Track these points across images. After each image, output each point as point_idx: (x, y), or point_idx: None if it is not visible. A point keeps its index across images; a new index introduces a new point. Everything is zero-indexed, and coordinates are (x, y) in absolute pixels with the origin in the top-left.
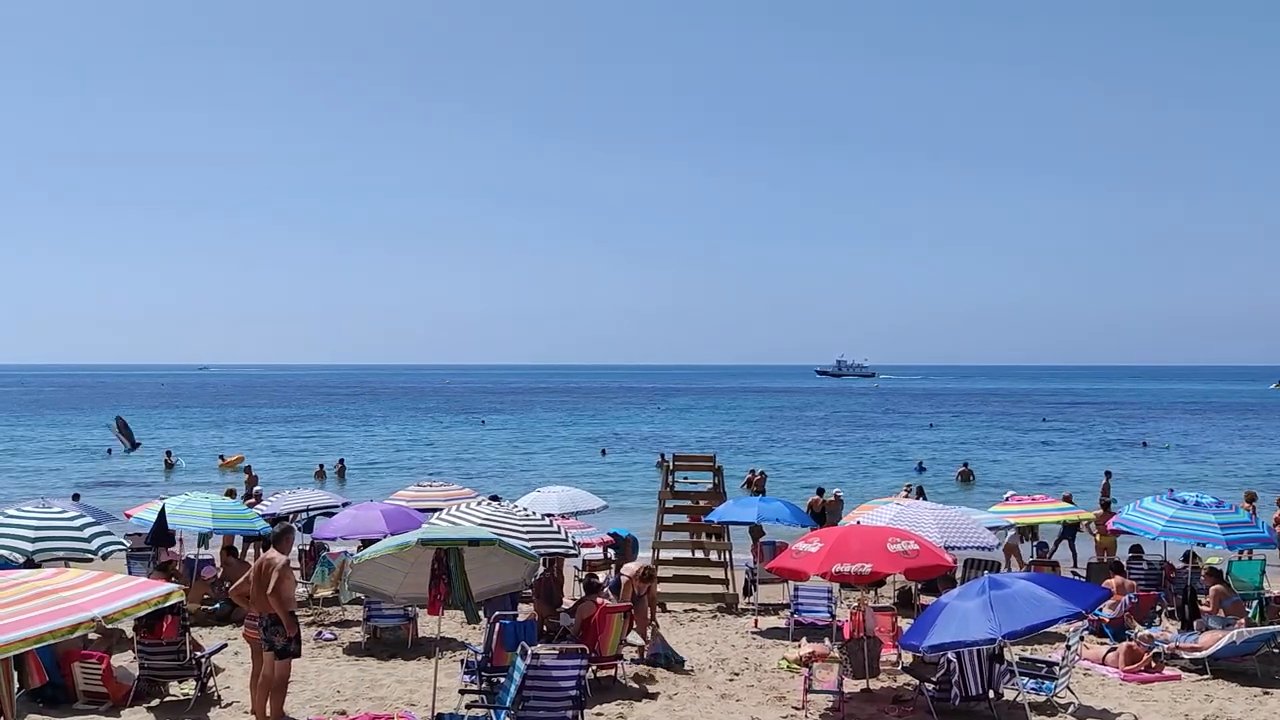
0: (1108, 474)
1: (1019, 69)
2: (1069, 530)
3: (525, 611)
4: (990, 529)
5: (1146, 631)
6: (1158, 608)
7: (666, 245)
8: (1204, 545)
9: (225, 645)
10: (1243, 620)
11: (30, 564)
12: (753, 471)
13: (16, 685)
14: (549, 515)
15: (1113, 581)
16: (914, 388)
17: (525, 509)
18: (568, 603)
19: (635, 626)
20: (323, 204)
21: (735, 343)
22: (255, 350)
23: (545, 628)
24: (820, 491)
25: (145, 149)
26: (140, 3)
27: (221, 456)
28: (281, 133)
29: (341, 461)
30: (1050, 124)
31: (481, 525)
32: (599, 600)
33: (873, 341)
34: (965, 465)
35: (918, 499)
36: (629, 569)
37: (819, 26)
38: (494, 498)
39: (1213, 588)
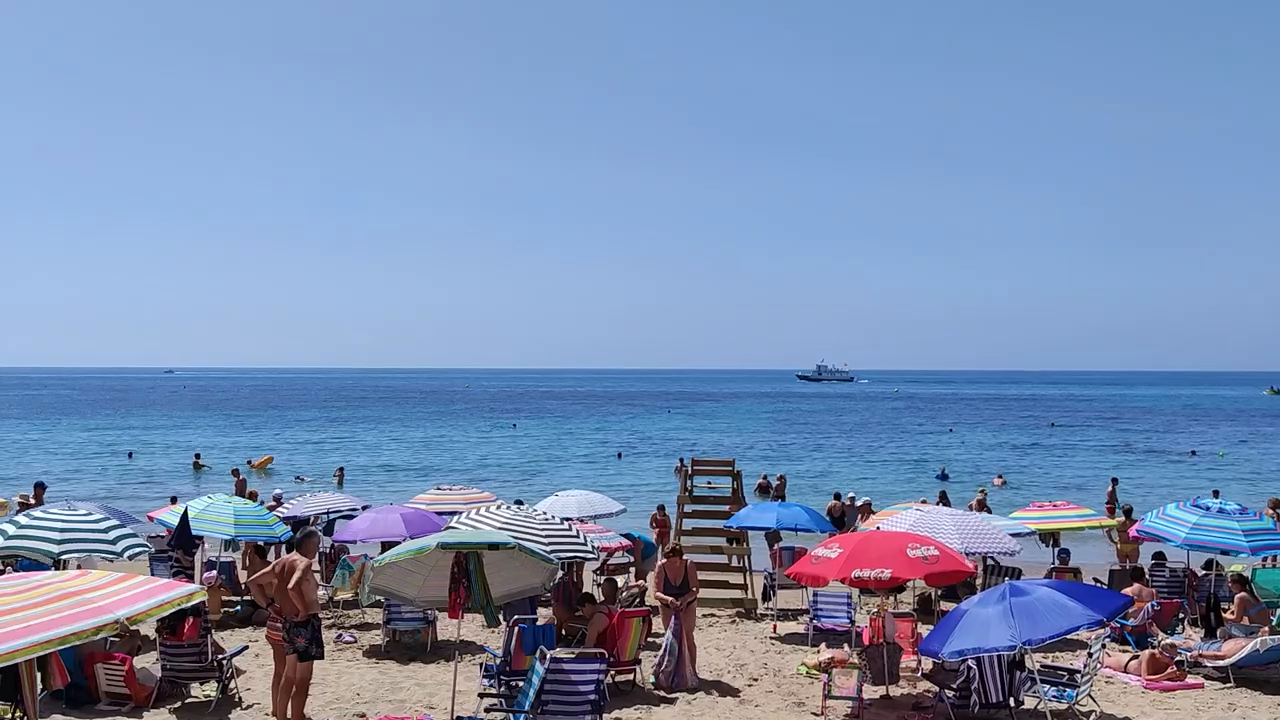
0: (1114, 480)
1: (1020, 70)
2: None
3: (544, 615)
4: (1012, 535)
5: (1169, 640)
6: (1181, 615)
7: (667, 248)
8: (1227, 553)
9: (247, 647)
10: (1267, 628)
11: (56, 565)
12: (765, 477)
13: (40, 686)
14: (568, 519)
15: (1133, 589)
16: (927, 393)
17: (544, 513)
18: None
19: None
20: (321, 208)
21: (735, 345)
22: (255, 352)
23: (564, 631)
24: (838, 496)
25: (145, 149)
26: (140, 3)
27: (250, 460)
28: (281, 136)
29: (340, 470)
30: (1051, 124)
31: (501, 529)
32: (609, 610)
33: (872, 342)
34: (1000, 477)
35: (941, 504)
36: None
37: (819, 34)
38: (518, 503)
39: (1238, 595)
